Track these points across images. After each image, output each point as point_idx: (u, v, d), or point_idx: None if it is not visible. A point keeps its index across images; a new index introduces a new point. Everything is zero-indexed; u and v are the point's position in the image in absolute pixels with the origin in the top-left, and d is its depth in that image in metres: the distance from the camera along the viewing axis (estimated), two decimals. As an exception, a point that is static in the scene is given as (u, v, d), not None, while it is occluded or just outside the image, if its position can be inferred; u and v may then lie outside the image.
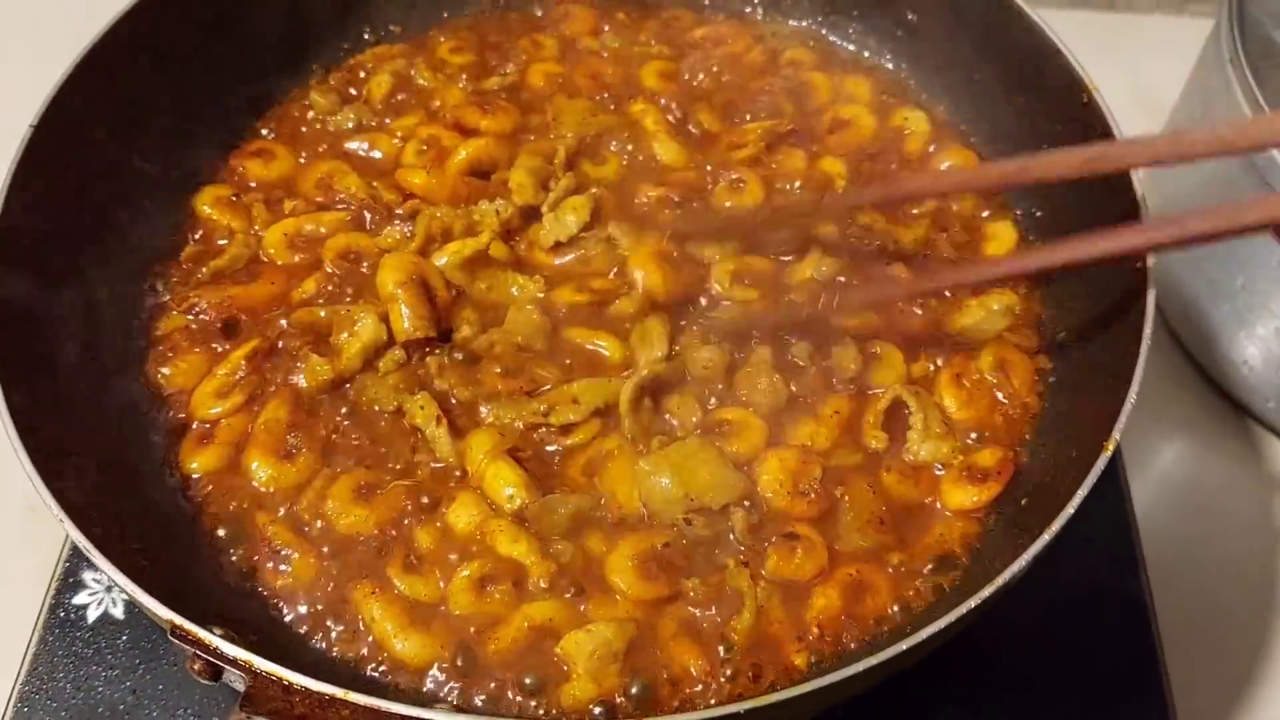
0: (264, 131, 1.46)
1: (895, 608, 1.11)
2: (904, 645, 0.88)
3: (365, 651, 1.07)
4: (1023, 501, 1.14)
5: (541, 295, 1.28)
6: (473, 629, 1.06)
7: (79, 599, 1.29)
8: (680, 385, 1.21)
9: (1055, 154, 1.08)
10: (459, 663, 1.05)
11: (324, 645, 1.07)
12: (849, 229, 1.34)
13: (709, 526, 1.12)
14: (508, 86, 1.50)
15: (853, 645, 1.08)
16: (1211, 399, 1.62)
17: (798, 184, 1.40)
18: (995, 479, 1.16)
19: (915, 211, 1.38)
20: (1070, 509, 0.96)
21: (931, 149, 1.46)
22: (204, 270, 1.31)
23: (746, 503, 1.14)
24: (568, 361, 1.23)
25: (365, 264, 1.30)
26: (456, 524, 1.12)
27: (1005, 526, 1.14)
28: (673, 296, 1.27)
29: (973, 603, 0.91)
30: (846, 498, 1.15)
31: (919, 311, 1.29)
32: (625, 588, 1.08)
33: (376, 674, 1.06)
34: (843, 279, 1.29)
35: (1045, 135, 1.35)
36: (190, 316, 1.27)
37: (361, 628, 1.08)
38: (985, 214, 1.40)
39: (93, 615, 1.28)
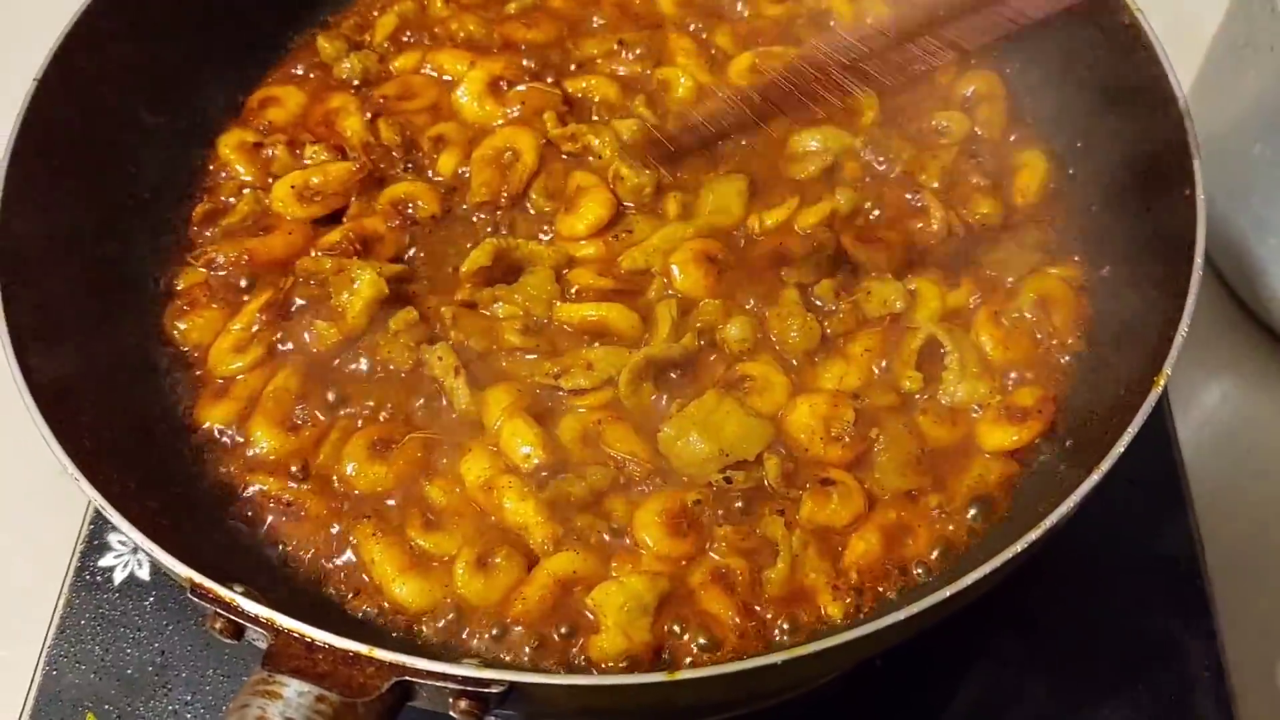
0: (272, 79, 1.43)
1: (935, 553, 1.07)
2: (946, 592, 0.85)
3: (389, 610, 1.05)
4: (1068, 443, 1.10)
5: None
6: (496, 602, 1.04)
7: (105, 561, 1.28)
8: (690, 367, 1.17)
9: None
10: (487, 632, 1.03)
11: (349, 605, 1.06)
12: (872, 160, 1.30)
13: (749, 478, 1.09)
14: (527, 8, 1.47)
15: (892, 594, 1.05)
16: (1257, 336, 1.57)
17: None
18: (1036, 418, 1.12)
19: (943, 141, 1.33)
20: (1120, 447, 0.91)
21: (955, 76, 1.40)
22: (216, 228, 1.28)
23: (781, 449, 1.10)
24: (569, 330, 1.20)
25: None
26: (466, 476, 1.09)
27: (1050, 467, 1.10)
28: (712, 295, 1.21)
29: (1019, 547, 0.87)
30: (882, 439, 1.11)
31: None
32: (654, 545, 1.05)
33: (404, 631, 1.04)
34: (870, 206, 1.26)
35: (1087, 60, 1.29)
36: (208, 271, 1.24)
37: (371, 578, 1.06)
38: (1013, 138, 1.35)
39: (119, 577, 1.27)
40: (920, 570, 1.06)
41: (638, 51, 1.41)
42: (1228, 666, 1.22)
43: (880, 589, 1.06)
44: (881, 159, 1.31)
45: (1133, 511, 1.31)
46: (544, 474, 1.09)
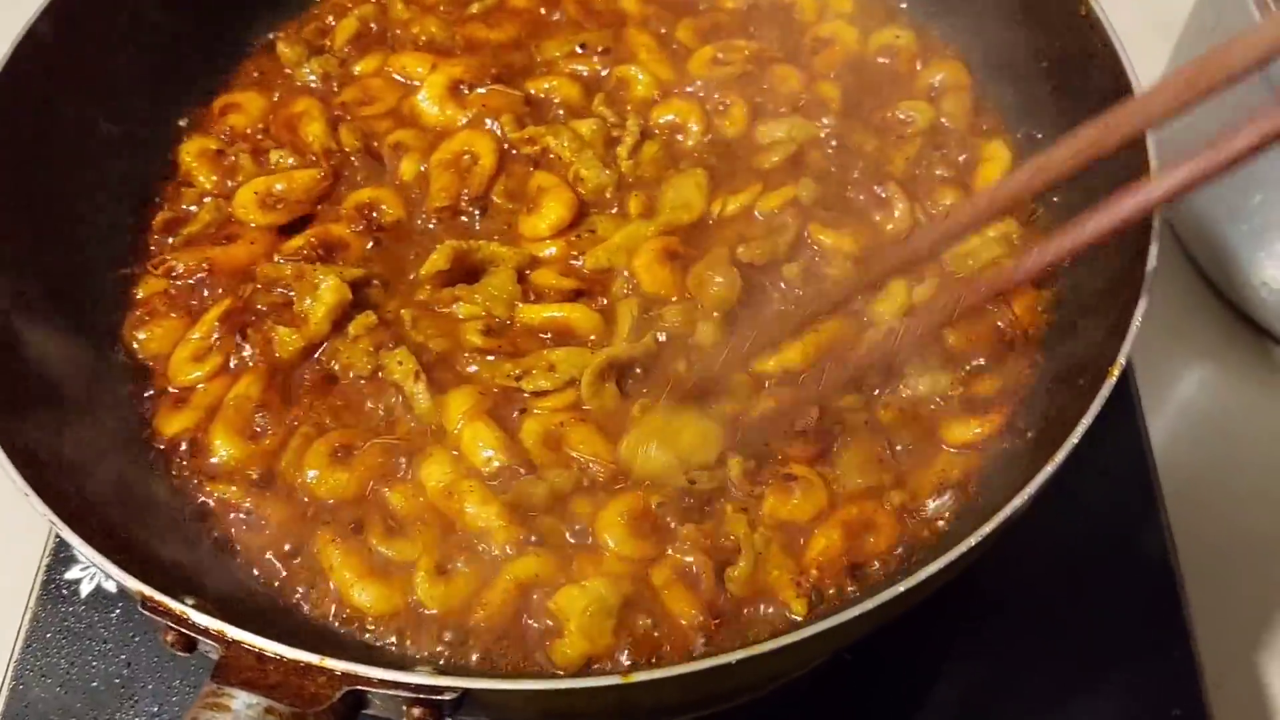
0: (228, 84, 1.43)
1: (900, 549, 1.07)
2: (901, 587, 0.84)
3: (350, 615, 1.04)
4: (1029, 434, 1.09)
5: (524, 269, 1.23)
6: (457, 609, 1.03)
7: (71, 574, 1.28)
8: (652, 367, 1.15)
9: (1061, 147, 0.94)
10: (446, 637, 1.02)
11: (311, 614, 1.05)
12: (835, 152, 1.30)
13: (713, 479, 1.08)
14: (489, 8, 1.46)
15: (855, 590, 1.04)
16: (1230, 323, 1.57)
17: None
18: (996, 410, 1.11)
19: (909, 131, 1.33)
20: (1075, 437, 0.91)
21: (919, 66, 1.40)
22: (176, 237, 1.27)
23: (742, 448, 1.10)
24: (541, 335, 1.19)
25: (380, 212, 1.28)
26: (427, 481, 1.09)
27: (1012, 460, 1.09)
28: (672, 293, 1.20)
29: (973, 540, 0.87)
30: (845, 437, 1.11)
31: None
32: (617, 547, 1.05)
33: (365, 639, 1.03)
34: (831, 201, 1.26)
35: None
36: (169, 280, 1.24)
37: (332, 586, 1.05)
38: (984, 127, 1.35)
39: (85, 589, 1.27)
40: (878, 566, 1.05)
41: (600, 50, 1.40)
42: (1200, 659, 1.22)
43: (843, 585, 1.05)
44: (845, 149, 1.31)
45: (1103, 502, 1.31)
46: (506, 477, 1.08)
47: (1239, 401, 1.52)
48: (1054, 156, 0.92)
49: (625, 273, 1.21)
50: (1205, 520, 1.37)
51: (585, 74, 1.39)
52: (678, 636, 1.01)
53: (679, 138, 1.33)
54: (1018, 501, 0.89)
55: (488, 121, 1.32)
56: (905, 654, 1.21)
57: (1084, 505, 1.28)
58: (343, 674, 0.82)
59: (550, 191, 1.27)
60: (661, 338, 1.17)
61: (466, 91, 1.36)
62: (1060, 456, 0.90)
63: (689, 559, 1.04)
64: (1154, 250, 1.01)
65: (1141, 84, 1.14)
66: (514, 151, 1.31)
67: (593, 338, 1.18)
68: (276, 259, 1.23)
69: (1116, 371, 0.95)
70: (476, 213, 1.27)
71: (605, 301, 1.21)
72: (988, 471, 1.10)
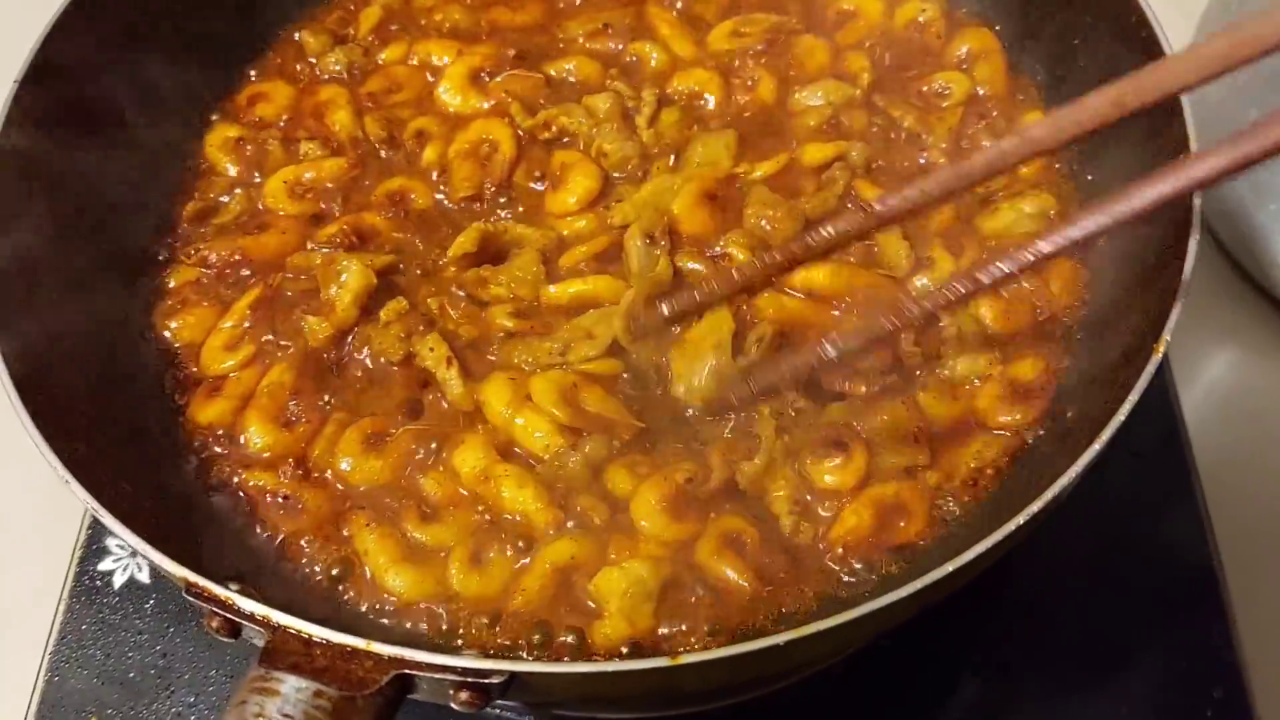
0: (254, 74, 1.42)
1: (931, 530, 1.06)
2: (950, 567, 0.84)
3: (387, 601, 1.04)
4: (1069, 414, 1.08)
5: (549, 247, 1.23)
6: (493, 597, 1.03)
7: (104, 565, 1.28)
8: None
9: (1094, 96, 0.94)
10: (494, 621, 1.02)
11: (348, 598, 1.05)
12: (876, 118, 1.30)
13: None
14: None
15: (894, 568, 1.04)
16: (1258, 303, 1.55)
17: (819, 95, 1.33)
18: (1039, 395, 1.10)
19: (945, 104, 1.32)
20: (1121, 416, 0.90)
21: (944, 39, 1.39)
22: (207, 227, 1.28)
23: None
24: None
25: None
26: (461, 468, 1.08)
27: (1050, 441, 1.08)
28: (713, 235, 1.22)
29: (1020, 520, 0.86)
30: (883, 416, 1.10)
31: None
32: (656, 532, 1.04)
33: (403, 623, 1.03)
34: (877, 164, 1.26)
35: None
36: (201, 269, 1.24)
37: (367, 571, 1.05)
38: (1022, 98, 1.34)
39: (119, 581, 1.27)
40: (919, 545, 1.05)
41: (623, 27, 1.40)
42: (1239, 639, 1.21)
43: (885, 563, 1.05)
44: (886, 117, 1.30)
45: (1137, 484, 1.30)
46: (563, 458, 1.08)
47: (1269, 380, 1.51)
48: (1087, 104, 0.93)
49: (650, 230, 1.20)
50: (1239, 500, 1.36)
51: (604, 52, 1.38)
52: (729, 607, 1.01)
53: (701, 103, 1.33)
54: (1064, 480, 0.88)
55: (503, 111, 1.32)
56: (939, 637, 1.20)
57: (1117, 487, 1.27)
58: (390, 658, 0.81)
59: (575, 167, 1.27)
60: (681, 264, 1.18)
61: (487, 79, 1.36)
62: (1106, 435, 0.89)
63: (731, 525, 1.04)
64: (1196, 221, 1.00)
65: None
66: (530, 139, 1.31)
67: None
68: (310, 246, 1.23)
69: (1161, 349, 0.94)
70: (502, 200, 1.27)
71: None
72: (1026, 452, 1.09)
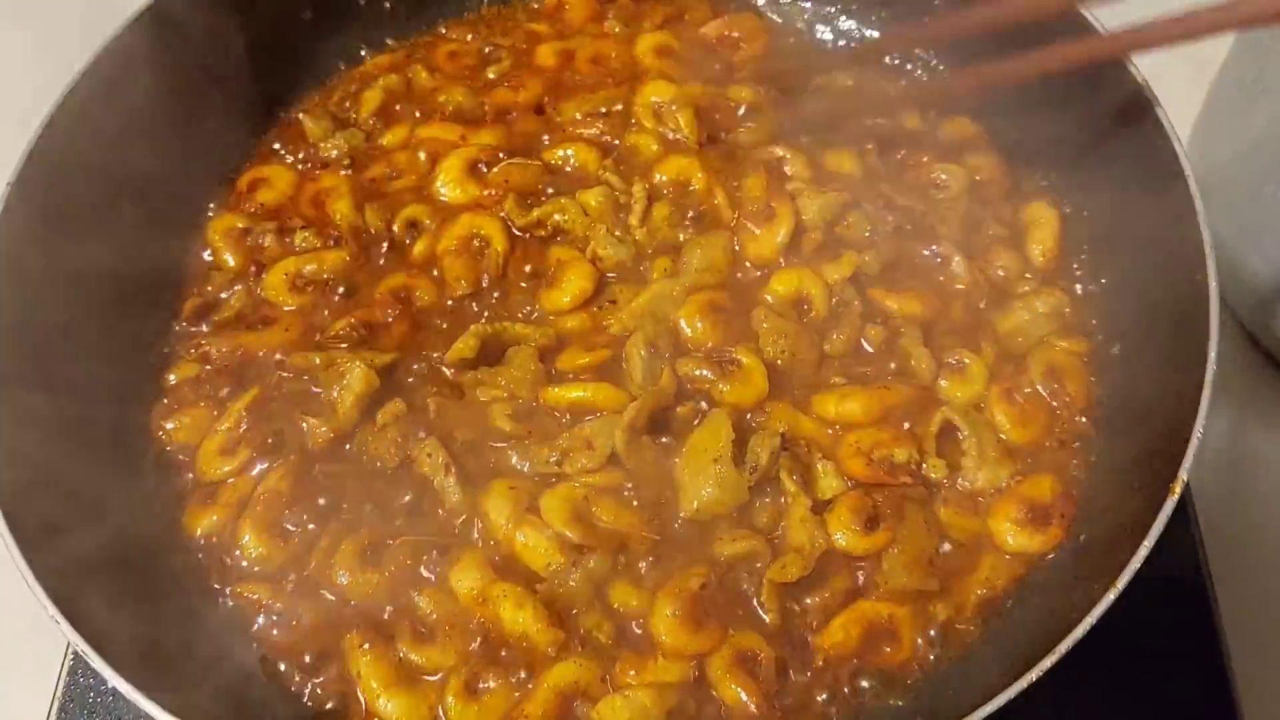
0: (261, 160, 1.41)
1: (916, 667, 1.05)
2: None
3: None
4: (1081, 537, 1.06)
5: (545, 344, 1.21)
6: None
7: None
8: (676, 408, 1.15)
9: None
10: None
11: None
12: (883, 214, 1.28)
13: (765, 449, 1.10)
14: (505, 72, 1.45)
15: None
16: (1272, 375, 1.53)
17: None
18: (1058, 522, 1.08)
19: (941, 196, 1.30)
20: (1136, 563, 0.88)
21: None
22: (209, 324, 1.26)
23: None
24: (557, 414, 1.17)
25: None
26: (459, 588, 1.06)
27: (1061, 566, 1.06)
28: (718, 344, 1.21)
29: (1034, 675, 0.84)
30: (901, 529, 1.08)
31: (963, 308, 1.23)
32: (677, 645, 1.03)
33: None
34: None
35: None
36: (202, 365, 1.22)
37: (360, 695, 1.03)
38: (1024, 188, 1.33)
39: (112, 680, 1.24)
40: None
41: (617, 108, 1.38)
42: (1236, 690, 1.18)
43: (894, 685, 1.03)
44: (890, 215, 1.28)
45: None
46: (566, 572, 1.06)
47: (1274, 446, 1.48)
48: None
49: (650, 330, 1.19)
50: (1244, 564, 1.33)
51: (600, 138, 1.36)
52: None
53: (690, 192, 1.30)
54: (1078, 632, 0.86)
55: (495, 207, 1.30)
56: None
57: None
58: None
59: (569, 265, 1.25)
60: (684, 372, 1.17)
61: (486, 170, 1.33)
62: (1122, 584, 0.87)
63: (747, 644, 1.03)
64: (1212, 356, 0.97)
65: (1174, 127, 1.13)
66: (526, 235, 1.29)
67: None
68: (316, 339, 1.21)
69: (1178, 490, 0.92)
70: (495, 295, 1.25)
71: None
72: (1035, 576, 1.07)
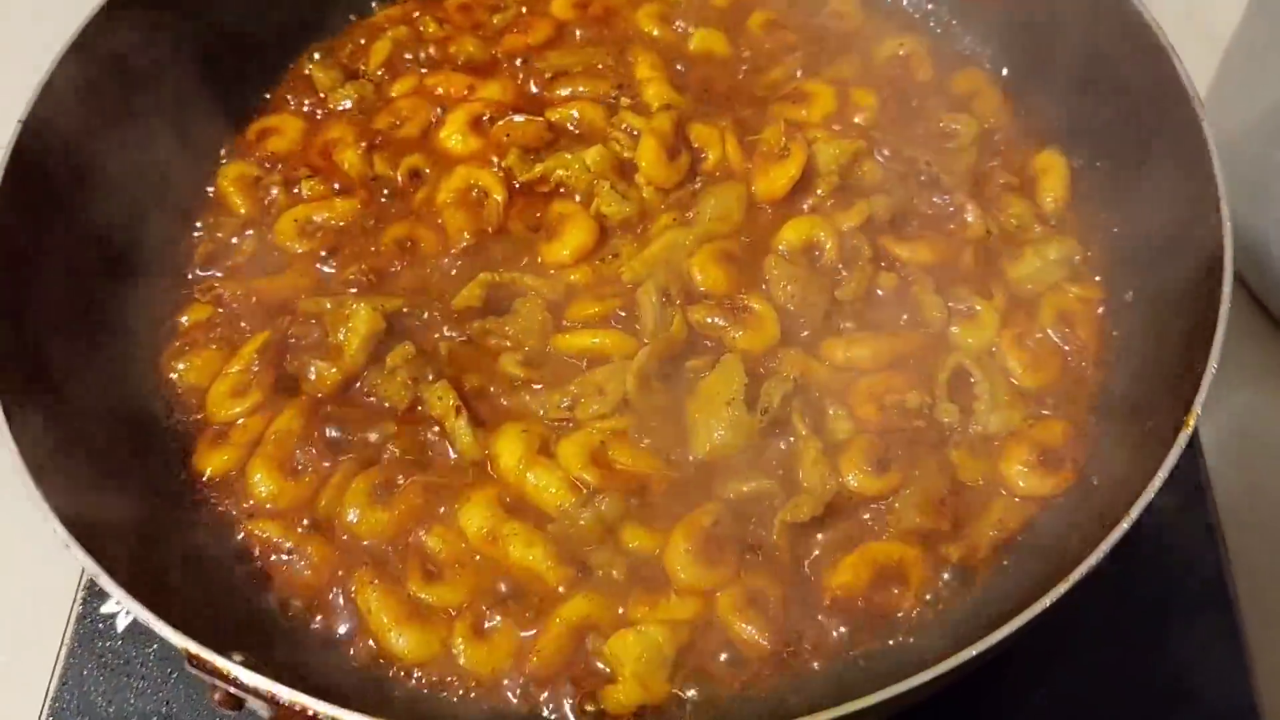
0: (271, 110, 1.40)
1: (916, 612, 1.04)
2: (995, 639, 0.82)
3: (389, 660, 1.02)
4: (1094, 480, 1.06)
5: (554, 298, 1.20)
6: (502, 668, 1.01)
7: (107, 607, 1.25)
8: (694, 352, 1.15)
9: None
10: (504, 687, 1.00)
11: (354, 659, 1.03)
12: (894, 164, 1.27)
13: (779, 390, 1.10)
14: (510, 21, 1.45)
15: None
16: (1275, 336, 1.52)
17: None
18: (1069, 465, 1.08)
19: (950, 146, 1.30)
20: (1150, 493, 0.88)
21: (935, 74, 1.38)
22: (221, 269, 1.26)
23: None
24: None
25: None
26: (468, 527, 1.06)
27: (1073, 506, 1.06)
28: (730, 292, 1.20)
29: (1047, 601, 0.84)
30: (913, 469, 1.09)
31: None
32: (691, 580, 1.03)
33: (408, 685, 1.01)
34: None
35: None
36: (214, 308, 1.22)
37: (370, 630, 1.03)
38: (1028, 139, 1.32)
39: (121, 624, 1.24)
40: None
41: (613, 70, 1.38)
42: (1258, 686, 1.18)
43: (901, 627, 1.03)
44: (902, 164, 1.28)
45: (1158, 528, 1.26)
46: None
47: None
48: None
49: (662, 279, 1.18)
50: (1261, 542, 1.33)
51: (604, 96, 1.36)
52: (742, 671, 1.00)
53: (702, 158, 1.30)
54: (1092, 559, 0.86)
55: (495, 160, 1.30)
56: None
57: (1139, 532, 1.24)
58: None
59: (571, 219, 1.25)
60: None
61: (489, 124, 1.33)
62: (1135, 513, 0.87)
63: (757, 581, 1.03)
64: (1226, 291, 0.97)
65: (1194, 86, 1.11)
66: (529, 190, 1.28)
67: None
68: (322, 299, 1.20)
69: (1191, 423, 0.92)
70: (498, 248, 1.25)
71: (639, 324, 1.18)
72: (1045, 519, 1.07)
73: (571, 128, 1.33)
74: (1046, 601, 0.84)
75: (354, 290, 1.21)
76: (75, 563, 1.23)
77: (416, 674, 1.01)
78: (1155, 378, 1.06)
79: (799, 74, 1.37)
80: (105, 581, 0.88)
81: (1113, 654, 1.20)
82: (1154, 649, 1.20)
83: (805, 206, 1.25)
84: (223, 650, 0.85)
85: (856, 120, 1.31)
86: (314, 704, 0.80)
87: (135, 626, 1.24)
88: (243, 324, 1.20)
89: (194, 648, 0.84)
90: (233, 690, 0.82)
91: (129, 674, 1.21)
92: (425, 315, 1.20)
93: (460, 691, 1.00)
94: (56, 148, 1.16)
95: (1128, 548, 1.19)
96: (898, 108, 1.33)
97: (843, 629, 1.03)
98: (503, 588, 1.04)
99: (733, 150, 1.29)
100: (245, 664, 0.83)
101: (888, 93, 1.34)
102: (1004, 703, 1.18)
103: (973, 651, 0.84)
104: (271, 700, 0.81)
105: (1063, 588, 0.84)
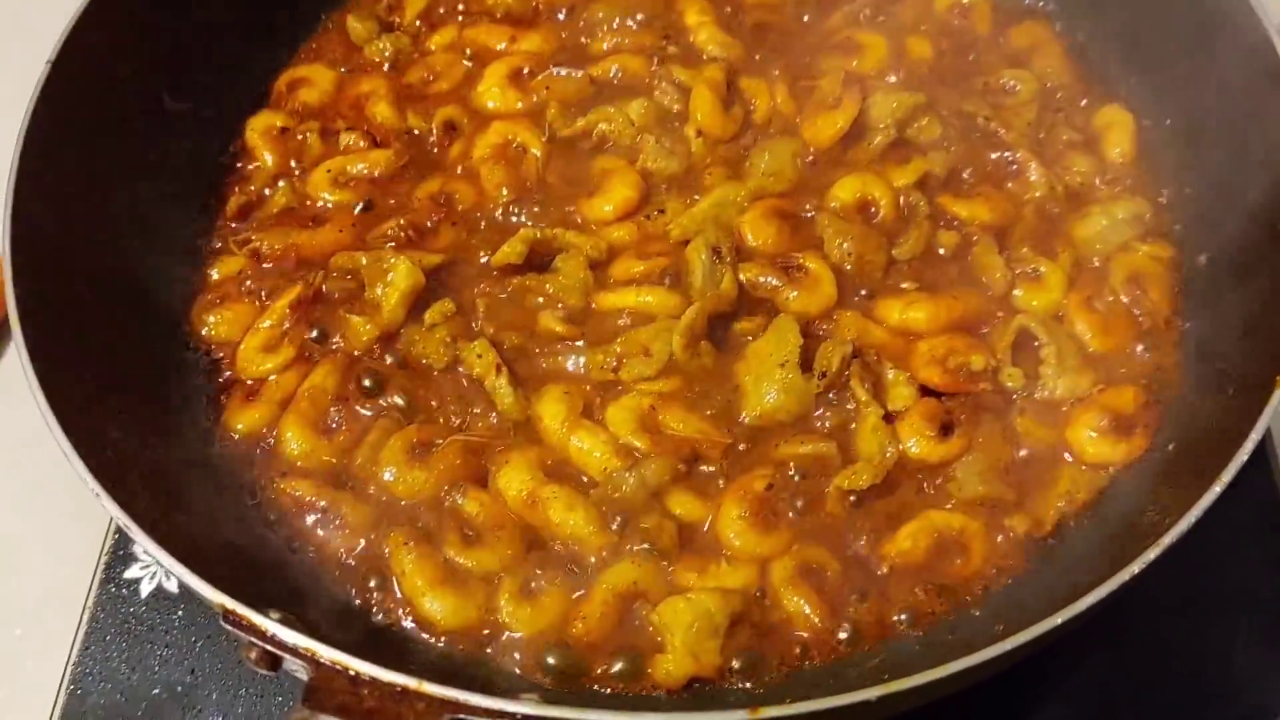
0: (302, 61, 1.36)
1: (978, 587, 1.00)
2: (1059, 619, 0.77)
3: (423, 624, 0.98)
4: (1170, 446, 1.01)
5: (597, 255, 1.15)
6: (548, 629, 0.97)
7: (131, 572, 1.21)
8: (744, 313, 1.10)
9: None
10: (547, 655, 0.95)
11: (392, 623, 0.98)
12: (952, 119, 1.23)
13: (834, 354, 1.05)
14: None
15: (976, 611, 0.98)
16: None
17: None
18: (1141, 431, 1.03)
19: (1009, 101, 1.25)
20: (1243, 455, 0.82)
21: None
22: (252, 221, 1.22)
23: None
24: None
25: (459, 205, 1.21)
26: (507, 490, 1.02)
27: (1148, 474, 1.01)
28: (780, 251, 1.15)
29: (1135, 568, 0.79)
30: (976, 433, 1.04)
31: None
32: (746, 547, 0.99)
33: (440, 650, 0.97)
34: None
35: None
36: (251, 260, 1.18)
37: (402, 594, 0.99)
38: (1084, 102, 1.27)
39: (145, 589, 1.20)
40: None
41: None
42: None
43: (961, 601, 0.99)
44: (960, 119, 1.23)
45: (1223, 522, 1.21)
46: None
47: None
48: None
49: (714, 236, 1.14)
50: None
51: (650, 48, 1.30)
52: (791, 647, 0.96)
53: (753, 109, 1.25)
54: (1182, 526, 0.80)
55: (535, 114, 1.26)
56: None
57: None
58: (443, 700, 0.75)
59: (615, 174, 1.20)
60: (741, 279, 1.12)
61: (528, 77, 1.29)
62: (1227, 476, 0.82)
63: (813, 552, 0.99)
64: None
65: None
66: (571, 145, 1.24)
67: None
68: (357, 254, 1.15)
69: (1285, 384, 0.86)
70: (537, 206, 1.20)
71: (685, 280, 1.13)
72: (1116, 489, 1.02)
73: (615, 81, 1.28)
74: (1133, 570, 0.79)
75: (392, 245, 1.16)
76: (97, 529, 1.23)
77: (448, 640, 0.97)
78: (1235, 341, 1.01)
79: (862, 17, 1.31)
80: (136, 533, 0.84)
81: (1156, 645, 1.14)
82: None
83: (858, 160, 1.20)
84: (258, 608, 0.80)
85: (908, 74, 1.26)
86: (357, 664, 0.76)
87: (159, 591, 1.20)
88: (277, 278, 1.16)
89: (230, 603, 0.79)
90: (270, 648, 0.78)
91: (153, 640, 1.16)
92: (465, 272, 1.16)
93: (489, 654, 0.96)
94: (83, 90, 1.12)
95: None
96: (955, 60, 1.28)
97: (900, 602, 0.98)
98: (545, 552, 1.00)
99: (783, 98, 1.24)
100: (284, 621, 0.79)
101: (945, 45, 1.29)
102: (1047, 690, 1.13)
103: (1039, 630, 0.80)
104: (311, 659, 0.77)
105: (1152, 553, 0.79)
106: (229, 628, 0.79)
